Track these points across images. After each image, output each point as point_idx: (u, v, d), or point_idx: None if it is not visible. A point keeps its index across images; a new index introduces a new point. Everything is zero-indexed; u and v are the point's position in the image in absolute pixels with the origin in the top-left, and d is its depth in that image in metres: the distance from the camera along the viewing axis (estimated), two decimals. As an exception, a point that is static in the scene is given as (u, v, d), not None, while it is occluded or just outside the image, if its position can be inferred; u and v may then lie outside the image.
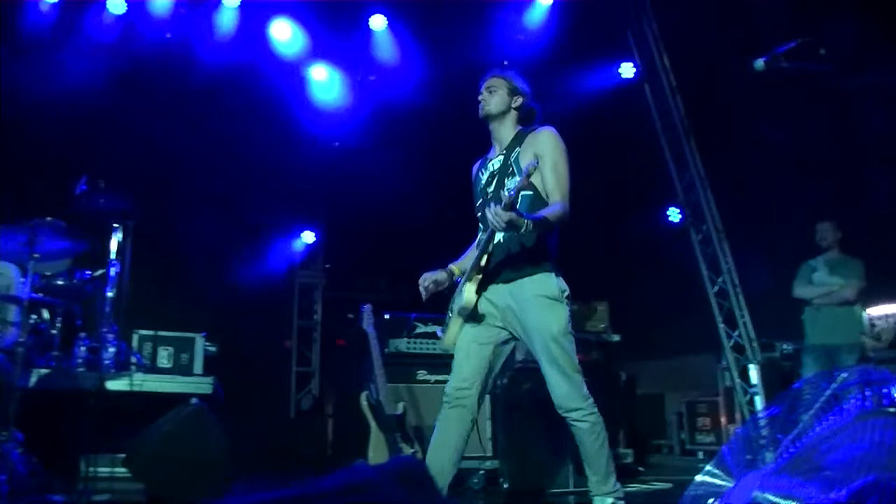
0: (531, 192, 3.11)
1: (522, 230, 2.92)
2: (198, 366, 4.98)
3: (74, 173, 4.73)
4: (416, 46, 6.42)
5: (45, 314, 4.53)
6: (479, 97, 3.31)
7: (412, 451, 4.59)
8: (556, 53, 6.57)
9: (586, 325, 5.88)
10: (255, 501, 1.56)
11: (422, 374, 5.23)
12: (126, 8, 6.11)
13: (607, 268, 7.29)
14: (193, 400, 4.33)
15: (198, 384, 4.65)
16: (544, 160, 3.10)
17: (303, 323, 7.21)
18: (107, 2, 6.08)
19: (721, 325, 7.20)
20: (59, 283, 4.53)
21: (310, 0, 6.29)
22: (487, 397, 4.49)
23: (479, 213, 3.31)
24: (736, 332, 7.14)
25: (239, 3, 6.23)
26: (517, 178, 3.06)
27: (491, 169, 3.30)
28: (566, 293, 3.12)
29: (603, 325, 5.95)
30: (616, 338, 5.96)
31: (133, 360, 4.74)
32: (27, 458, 3.59)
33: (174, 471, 3.91)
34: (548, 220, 2.98)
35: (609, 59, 7.44)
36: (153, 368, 4.81)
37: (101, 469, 4.17)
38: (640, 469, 6.07)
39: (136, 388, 4.46)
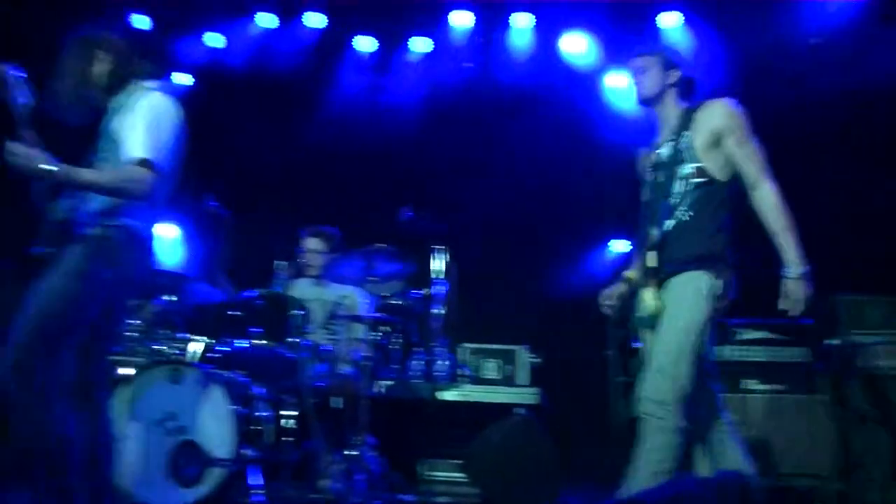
0: (704, 181, 2.77)
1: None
2: (522, 377, 5.13)
3: (399, 201, 5.19)
4: (713, 40, 6.07)
5: (386, 331, 5.01)
6: (633, 81, 3.01)
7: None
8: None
9: None
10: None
11: (747, 383, 4.88)
12: (433, 46, 6.62)
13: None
14: (520, 410, 4.50)
15: (523, 394, 4.82)
16: (725, 138, 2.76)
17: (623, 332, 7.12)
18: (410, 43, 6.66)
19: None
20: (395, 302, 4.95)
21: (599, 7, 6.27)
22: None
23: (649, 211, 2.95)
24: None
25: (533, 25, 6.42)
26: (690, 167, 2.80)
27: (657, 159, 2.95)
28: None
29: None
30: None
31: (462, 371, 5.05)
32: (379, 461, 3.98)
33: (507, 477, 4.09)
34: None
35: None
36: (480, 379, 5.07)
37: (438, 473, 4.49)
38: None
39: (465, 398, 4.75)
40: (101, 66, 2.86)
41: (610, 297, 3.12)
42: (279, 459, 3.72)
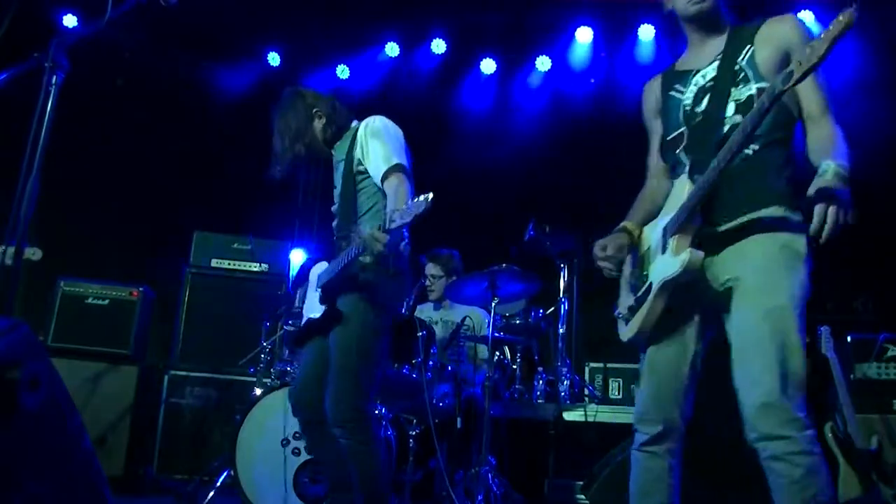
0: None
1: None
2: (648, 396, 5.03)
3: (523, 220, 5.22)
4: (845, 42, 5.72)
5: (507, 351, 5.04)
6: None
7: (893, 492, 3.99)
8: None
9: None
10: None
11: None
12: (550, 64, 6.67)
13: None
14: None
15: (649, 415, 4.71)
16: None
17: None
18: (535, 64, 6.70)
19: None
20: (517, 322, 4.99)
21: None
22: None
23: (679, 147, 2.34)
24: None
25: (654, 36, 6.31)
26: (752, 86, 2.17)
27: (699, 82, 2.32)
28: None
29: None
30: None
31: (586, 391, 5.01)
32: (500, 481, 4.02)
33: (629, 500, 4.01)
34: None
35: None
36: (605, 400, 5.01)
37: (562, 494, 4.46)
38: None
39: (590, 419, 4.69)
40: (319, 122, 3.19)
41: (605, 248, 2.46)
42: (402, 479, 3.83)
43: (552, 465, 4.54)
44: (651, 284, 2.28)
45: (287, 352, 4.20)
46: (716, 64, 2.29)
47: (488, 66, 6.78)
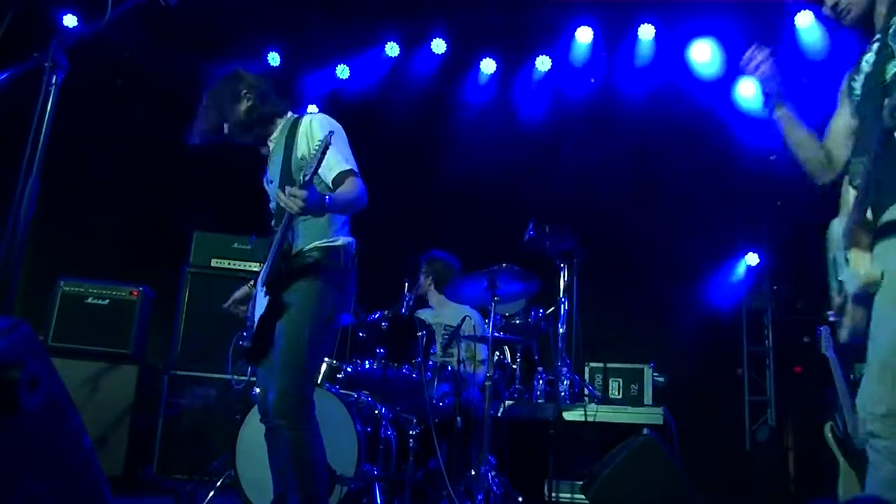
0: None
1: None
2: (647, 396, 5.04)
3: (523, 220, 5.22)
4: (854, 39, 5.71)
5: (507, 351, 5.04)
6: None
7: (894, 493, 3.99)
8: None
9: None
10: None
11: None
12: (550, 64, 6.67)
13: None
14: (645, 431, 4.40)
15: (648, 414, 4.72)
16: None
17: (753, 349, 6.84)
18: (535, 64, 6.71)
19: None
20: (517, 322, 4.99)
21: (725, 12, 6.08)
22: None
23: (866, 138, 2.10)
24: None
25: (654, 35, 6.31)
26: None
27: (866, 68, 2.16)
28: None
29: None
30: None
31: (586, 391, 5.01)
32: (500, 481, 4.02)
33: (629, 500, 4.01)
34: None
35: None
36: (605, 399, 5.01)
37: (562, 494, 4.46)
38: None
39: (590, 419, 4.70)
40: (244, 104, 3.04)
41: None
42: (402, 478, 3.83)
43: (552, 465, 4.54)
44: (847, 295, 2.14)
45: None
46: (875, 44, 2.12)
47: (488, 66, 6.78)
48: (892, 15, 2.09)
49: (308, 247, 2.82)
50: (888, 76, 2.02)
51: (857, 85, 2.21)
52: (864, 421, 2.00)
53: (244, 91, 3.06)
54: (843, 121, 2.32)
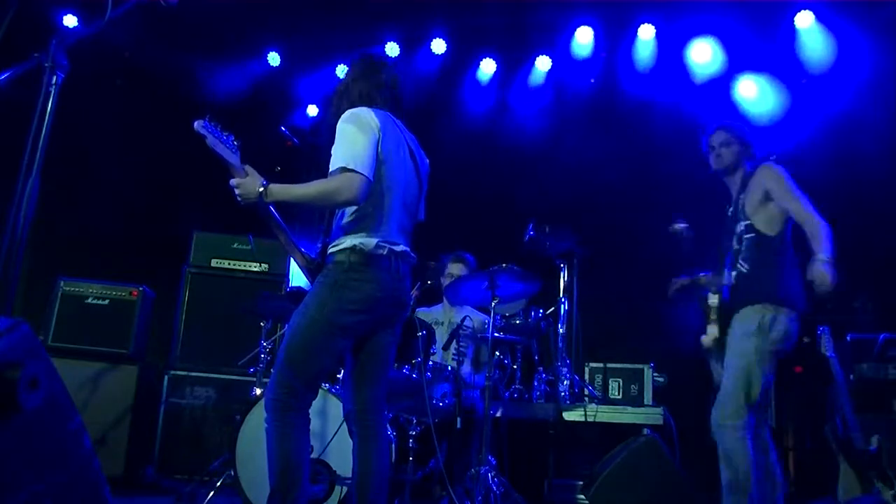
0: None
1: None
2: (647, 396, 5.04)
3: (523, 220, 5.21)
4: (856, 40, 5.72)
5: (508, 351, 5.04)
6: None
7: (892, 492, 3.99)
8: None
9: None
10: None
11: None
12: (550, 64, 6.68)
13: None
14: (645, 431, 4.41)
15: (648, 415, 4.72)
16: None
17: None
18: (535, 63, 6.71)
19: None
20: (517, 322, 5.00)
21: (725, 11, 6.08)
22: None
23: None
24: None
25: (654, 35, 6.32)
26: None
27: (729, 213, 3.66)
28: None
29: None
30: None
31: (586, 391, 5.01)
32: (500, 481, 4.01)
33: (629, 500, 4.02)
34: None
35: None
36: (605, 399, 5.01)
37: (562, 494, 4.46)
38: None
39: (590, 419, 4.70)
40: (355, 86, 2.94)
41: None
42: (402, 479, 3.83)
43: (552, 465, 4.55)
44: None
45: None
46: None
47: (488, 66, 6.77)
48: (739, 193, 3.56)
49: (330, 249, 2.82)
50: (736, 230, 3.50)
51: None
52: None
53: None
54: None
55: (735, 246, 3.48)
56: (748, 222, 3.44)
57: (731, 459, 3.24)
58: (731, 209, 3.61)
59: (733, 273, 3.43)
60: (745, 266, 3.41)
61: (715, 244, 3.78)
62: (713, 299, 3.42)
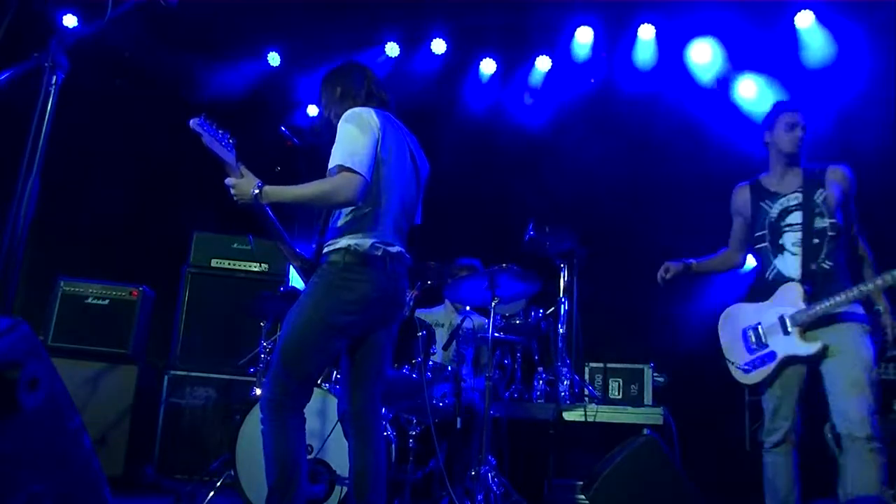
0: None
1: None
2: (647, 396, 5.04)
3: (523, 221, 5.21)
4: (856, 40, 5.71)
5: (508, 351, 5.05)
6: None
7: (892, 492, 3.99)
8: None
9: None
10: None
11: (900, 405, 4.54)
12: (551, 64, 6.68)
13: None
14: (645, 431, 4.40)
15: (648, 415, 4.72)
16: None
17: (758, 350, 6.83)
18: (535, 63, 6.72)
19: None
20: (517, 322, 5.00)
21: (725, 11, 6.07)
22: None
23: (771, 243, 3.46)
24: None
25: (654, 35, 6.32)
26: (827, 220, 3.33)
27: (784, 204, 3.44)
28: None
29: None
30: None
31: (586, 391, 5.01)
32: (500, 481, 4.02)
33: (629, 500, 4.01)
34: None
35: None
36: (605, 399, 5.01)
37: (562, 494, 4.45)
38: None
39: (590, 419, 4.69)
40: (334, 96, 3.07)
41: (668, 271, 4.03)
42: (402, 479, 3.83)
43: (552, 465, 4.54)
44: (774, 353, 3.33)
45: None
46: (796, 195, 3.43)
47: (488, 66, 6.77)
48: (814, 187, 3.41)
49: (325, 249, 2.82)
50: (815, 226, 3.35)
51: (775, 211, 3.47)
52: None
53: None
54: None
55: (814, 241, 3.34)
56: (832, 220, 3.33)
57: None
58: (786, 200, 3.45)
59: (812, 267, 3.31)
60: (829, 263, 3.31)
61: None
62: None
